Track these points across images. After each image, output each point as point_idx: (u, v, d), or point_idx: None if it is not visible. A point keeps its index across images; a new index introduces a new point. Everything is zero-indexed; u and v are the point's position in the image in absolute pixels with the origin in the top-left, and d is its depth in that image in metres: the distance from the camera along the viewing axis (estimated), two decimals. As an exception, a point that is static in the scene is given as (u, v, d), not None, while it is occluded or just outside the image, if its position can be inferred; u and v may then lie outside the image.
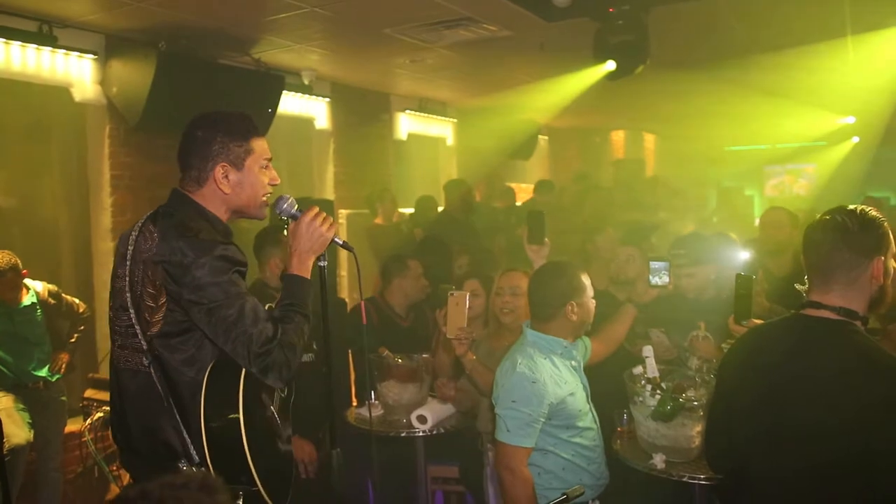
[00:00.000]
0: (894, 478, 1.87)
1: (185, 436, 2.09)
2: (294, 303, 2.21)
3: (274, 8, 5.06)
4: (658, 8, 5.05)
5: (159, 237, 2.15)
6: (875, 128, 10.86)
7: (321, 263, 2.38)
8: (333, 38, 6.01)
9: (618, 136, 13.56)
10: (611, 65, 5.17)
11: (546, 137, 12.10)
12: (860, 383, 1.92)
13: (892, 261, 2.06)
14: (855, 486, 1.89)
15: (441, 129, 9.70)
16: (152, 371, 2.11)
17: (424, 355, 3.92)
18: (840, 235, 2.04)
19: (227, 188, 2.26)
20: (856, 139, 12.31)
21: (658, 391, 3.15)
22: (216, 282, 2.07)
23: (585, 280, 3.02)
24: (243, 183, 2.28)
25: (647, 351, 3.35)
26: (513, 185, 9.24)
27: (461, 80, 8.17)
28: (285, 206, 2.33)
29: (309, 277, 2.27)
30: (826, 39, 6.15)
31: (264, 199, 2.35)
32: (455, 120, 9.74)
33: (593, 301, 3.05)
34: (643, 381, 3.25)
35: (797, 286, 2.20)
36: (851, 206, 2.10)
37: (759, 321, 2.51)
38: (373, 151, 8.42)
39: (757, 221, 5.40)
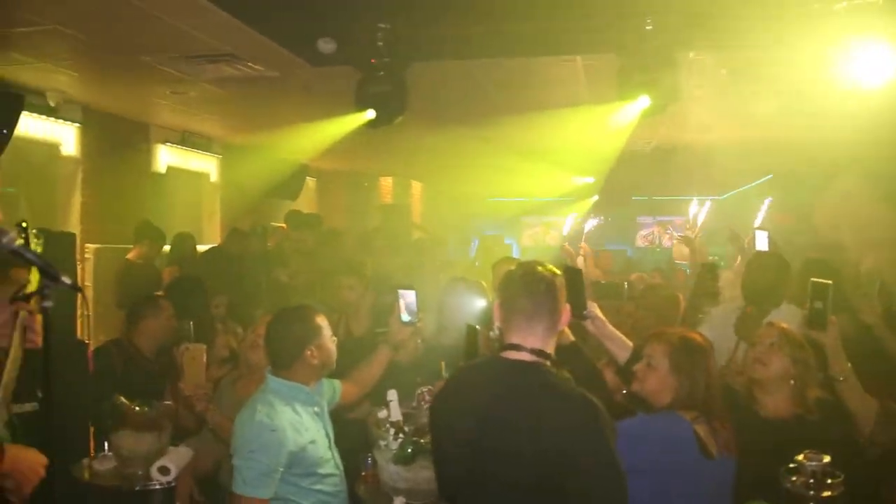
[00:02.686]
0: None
1: None
2: None
3: (7, 20, 4.62)
4: (418, 64, 5.30)
5: None
6: (607, 187, 12.19)
7: (45, 304, 2.20)
8: (85, 60, 5.61)
9: (386, 182, 13.94)
10: (371, 113, 5.32)
11: (315, 179, 12.12)
12: (556, 418, 2.16)
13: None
14: None
15: (205, 164, 9.37)
16: None
17: (166, 402, 3.71)
18: (544, 286, 2.30)
19: None
20: (595, 197, 13.65)
21: (401, 434, 3.22)
22: None
23: (322, 322, 3.02)
24: None
25: (392, 395, 3.41)
26: (279, 225, 9.14)
27: (227, 115, 7.98)
28: (4, 240, 2.14)
29: None
30: (567, 106, 6.81)
31: None
32: (220, 156, 9.47)
33: (333, 340, 3.06)
34: (387, 425, 3.31)
35: (490, 333, 2.41)
36: (539, 264, 2.38)
37: None
38: (128, 183, 7.91)
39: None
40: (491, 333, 2.38)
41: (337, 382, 3.31)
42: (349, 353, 3.90)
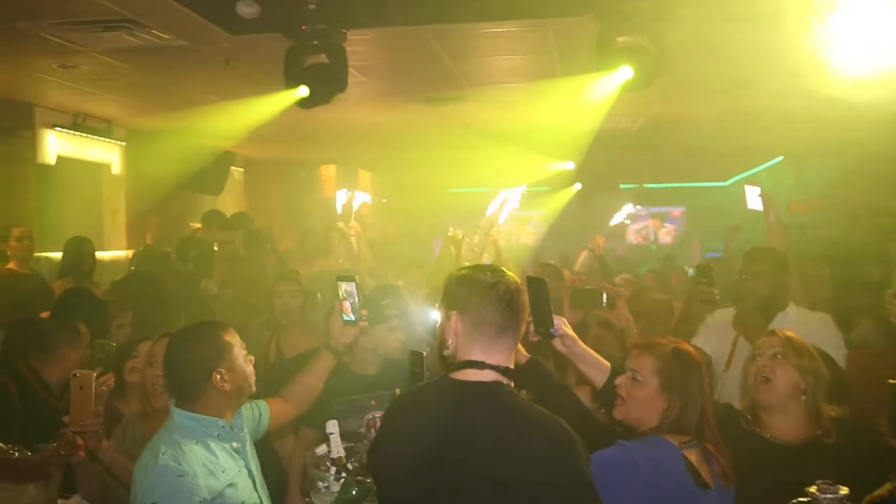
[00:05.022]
0: None
1: None
2: None
3: None
4: (357, 30, 5.29)
5: None
6: (590, 174, 12.28)
7: None
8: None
9: (328, 171, 13.88)
10: (303, 90, 5.29)
11: (242, 170, 12.03)
12: (523, 446, 2.20)
13: None
14: None
15: (105, 153, 9.22)
16: None
17: (53, 444, 3.64)
18: (522, 297, 2.39)
19: None
20: (577, 186, 13.75)
21: (343, 473, 3.22)
22: None
23: (231, 338, 2.99)
24: None
25: (332, 426, 3.41)
26: (196, 225, 9.06)
27: (131, 94, 7.87)
28: None
29: None
30: (539, 78, 6.85)
31: None
32: (124, 143, 9.35)
33: (250, 358, 3.04)
34: (328, 463, 3.31)
35: (445, 352, 2.43)
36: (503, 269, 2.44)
37: None
38: (6, 177, 7.81)
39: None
40: (445, 352, 2.39)
41: (262, 404, 3.28)
42: (280, 376, 3.90)
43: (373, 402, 3.78)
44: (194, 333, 3.01)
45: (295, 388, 3.43)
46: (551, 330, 2.87)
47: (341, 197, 8.40)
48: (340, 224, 7.61)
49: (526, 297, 2.43)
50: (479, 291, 2.37)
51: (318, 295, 6.24)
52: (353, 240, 6.81)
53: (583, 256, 8.07)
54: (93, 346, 4.02)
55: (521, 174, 12.50)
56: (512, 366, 2.38)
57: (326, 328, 3.51)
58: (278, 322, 5.37)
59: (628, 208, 16.13)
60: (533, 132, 9.55)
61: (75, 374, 3.31)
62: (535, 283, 2.81)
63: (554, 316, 2.87)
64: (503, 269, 2.45)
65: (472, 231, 8.50)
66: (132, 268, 7.86)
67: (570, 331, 2.98)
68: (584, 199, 13.72)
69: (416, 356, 2.87)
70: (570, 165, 12.27)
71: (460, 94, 7.73)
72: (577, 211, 13.89)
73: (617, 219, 16.16)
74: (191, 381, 2.91)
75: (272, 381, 3.94)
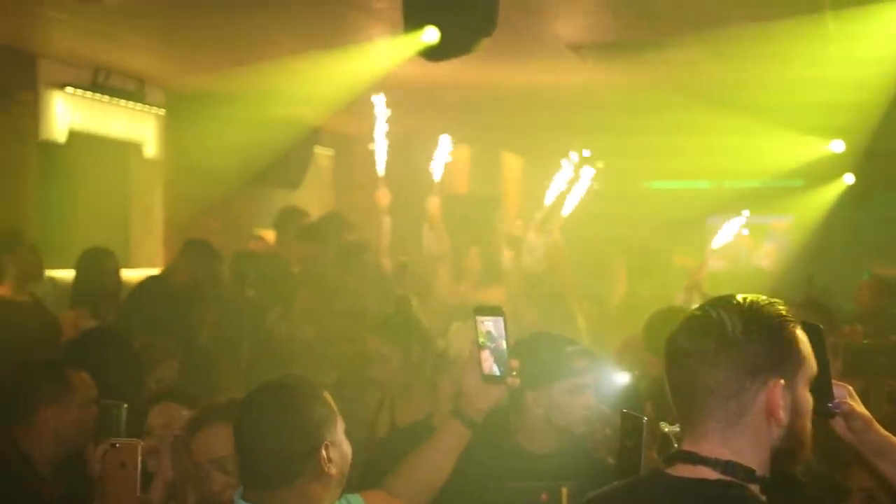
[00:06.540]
0: None
1: None
2: None
3: None
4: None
5: None
6: (874, 159, 11.87)
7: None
8: None
9: (456, 154, 13.99)
10: (431, 34, 5.35)
11: (330, 152, 12.20)
12: None
13: (804, 388, 2.29)
14: None
15: (135, 125, 9.49)
16: None
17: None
18: (712, 342, 2.24)
19: None
20: (850, 178, 13.37)
21: None
22: None
23: (333, 403, 3.04)
24: None
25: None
26: (261, 234, 9.26)
27: (173, 40, 8.05)
28: None
29: None
30: (797, 14, 6.71)
31: None
32: (162, 111, 9.60)
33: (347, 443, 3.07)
34: None
35: (662, 426, 2.39)
36: (740, 296, 2.31)
37: None
38: (-1, 158, 8.14)
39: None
40: (667, 429, 2.35)
41: (357, 500, 3.30)
42: (384, 456, 3.96)
43: (543, 497, 3.78)
44: (296, 388, 3.06)
45: (407, 474, 3.43)
46: (829, 405, 2.78)
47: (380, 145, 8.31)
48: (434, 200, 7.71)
49: (748, 344, 2.25)
50: (673, 338, 2.31)
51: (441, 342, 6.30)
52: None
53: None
54: (99, 410, 4.06)
55: (760, 160, 12.30)
56: (745, 458, 2.24)
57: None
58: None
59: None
60: (778, 95, 9.39)
61: (114, 445, 3.38)
62: (805, 331, 2.72)
63: (835, 383, 2.77)
64: (730, 299, 2.32)
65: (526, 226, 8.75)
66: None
67: (860, 407, 2.86)
68: (861, 198, 13.33)
69: (631, 422, 2.80)
70: (839, 146, 12.03)
71: (668, 40, 7.65)
72: (848, 218, 13.55)
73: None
74: (291, 455, 2.92)
75: (373, 463, 4.04)
